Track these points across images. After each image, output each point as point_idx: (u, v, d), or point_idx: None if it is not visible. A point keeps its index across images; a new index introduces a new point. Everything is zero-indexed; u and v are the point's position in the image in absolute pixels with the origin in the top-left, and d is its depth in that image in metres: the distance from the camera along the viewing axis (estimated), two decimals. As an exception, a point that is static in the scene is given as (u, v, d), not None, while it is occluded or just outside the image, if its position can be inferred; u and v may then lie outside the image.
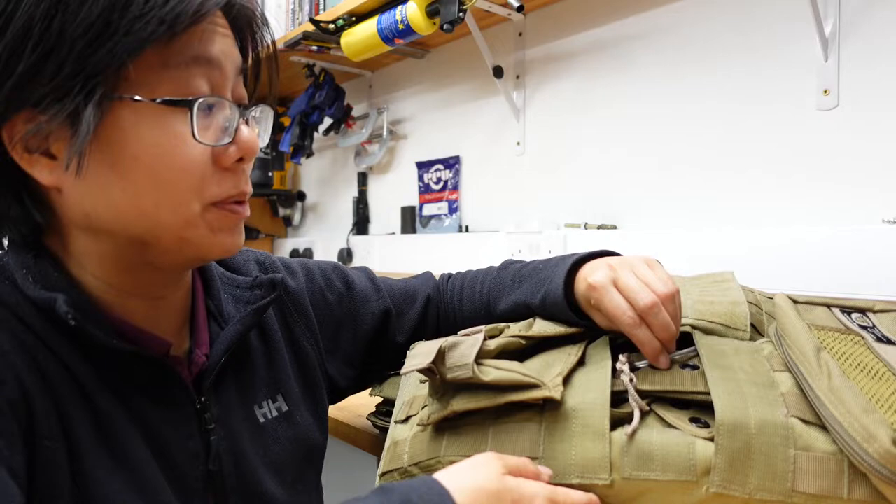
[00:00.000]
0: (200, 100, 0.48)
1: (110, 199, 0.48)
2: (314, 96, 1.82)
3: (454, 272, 0.84)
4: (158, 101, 0.47)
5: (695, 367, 0.53)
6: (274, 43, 0.57)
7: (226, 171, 0.51)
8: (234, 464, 0.56)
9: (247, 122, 0.53)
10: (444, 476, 0.46)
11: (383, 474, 0.59)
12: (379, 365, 0.79)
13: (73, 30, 0.44)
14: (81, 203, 0.48)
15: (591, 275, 0.60)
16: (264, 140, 0.57)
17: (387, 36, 1.37)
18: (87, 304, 0.50)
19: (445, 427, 0.56)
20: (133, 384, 0.51)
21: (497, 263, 0.80)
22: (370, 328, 0.75)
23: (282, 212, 2.29)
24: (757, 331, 0.61)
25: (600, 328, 0.61)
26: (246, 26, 0.54)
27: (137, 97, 0.46)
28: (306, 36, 1.56)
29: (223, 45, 0.50)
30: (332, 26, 1.49)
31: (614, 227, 1.29)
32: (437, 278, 0.84)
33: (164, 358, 0.53)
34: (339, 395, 0.75)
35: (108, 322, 0.51)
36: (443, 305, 0.81)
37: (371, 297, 0.76)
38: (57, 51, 0.44)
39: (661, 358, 0.55)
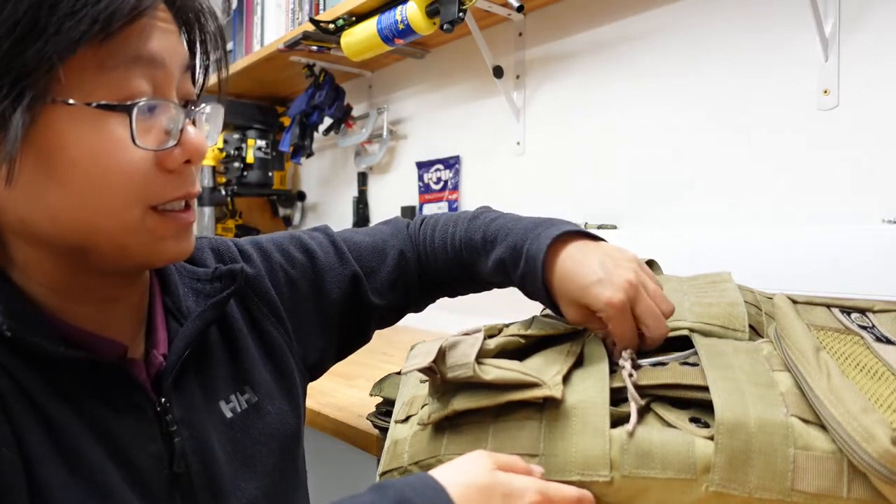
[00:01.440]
0: (140, 103, 0.45)
1: (46, 205, 0.45)
2: (314, 96, 1.82)
3: (427, 215, 0.81)
4: (94, 105, 0.44)
5: (694, 365, 0.53)
6: (223, 36, 0.54)
7: (171, 174, 0.48)
8: (202, 463, 0.54)
9: (194, 123, 0.50)
10: (435, 473, 0.46)
11: (383, 474, 0.59)
12: (357, 330, 0.76)
13: None
14: (16, 209, 0.46)
15: (588, 282, 0.59)
16: (214, 138, 0.54)
17: (387, 36, 1.37)
18: (30, 312, 0.48)
19: (445, 426, 0.56)
20: (87, 391, 0.49)
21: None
22: (339, 297, 0.72)
23: (282, 212, 2.29)
24: (756, 332, 0.61)
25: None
26: (193, 19, 0.51)
27: (71, 101, 0.43)
28: (306, 36, 1.56)
29: (166, 42, 0.47)
30: (332, 26, 1.49)
31: (614, 227, 1.29)
32: (410, 224, 0.81)
33: (119, 361, 0.51)
34: (319, 370, 0.73)
35: (54, 329, 0.48)
36: (419, 254, 0.78)
37: (335, 265, 0.73)
38: None
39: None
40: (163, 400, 0.53)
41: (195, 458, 0.53)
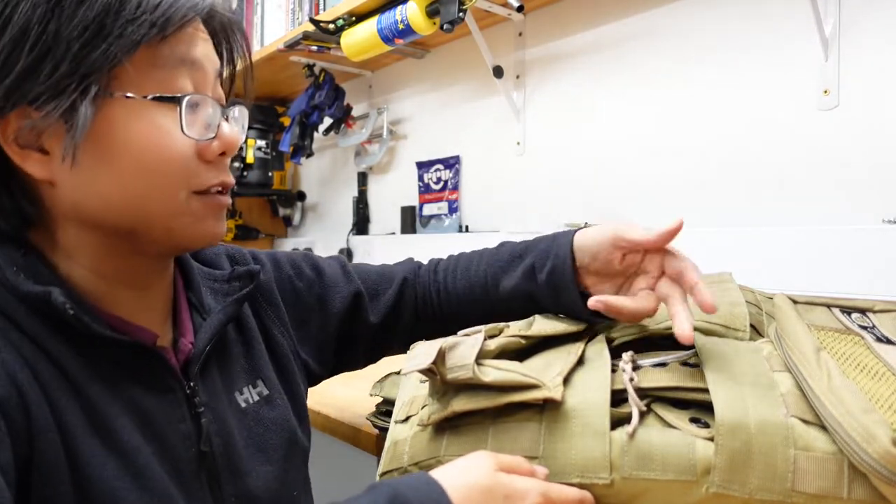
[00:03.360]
0: (188, 97, 0.51)
1: (101, 190, 0.51)
2: (314, 96, 1.82)
3: (445, 257, 0.84)
4: (150, 97, 0.50)
5: (695, 366, 0.53)
6: (249, 49, 0.61)
7: (209, 164, 0.54)
8: (224, 445, 0.57)
9: (227, 120, 0.56)
10: (437, 473, 0.47)
11: (383, 474, 0.59)
12: (354, 346, 0.80)
13: (69, 32, 0.47)
14: (73, 195, 0.51)
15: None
16: (241, 137, 0.60)
17: (387, 36, 1.37)
18: (78, 297, 0.52)
19: (445, 427, 0.56)
20: (123, 373, 0.52)
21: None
22: (340, 311, 0.76)
23: (282, 212, 2.29)
24: (757, 331, 0.61)
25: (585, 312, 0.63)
26: (222, 33, 0.58)
27: (129, 94, 0.50)
28: (306, 36, 1.56)
29: (205, 49, 0.55)
30: (332, 26, 1.49)
31: (614, 227, 1.29)
32: (425, 263, 0.85)
33: (154, 347, 0.54)
34: (316, 380, 0.77)
35: (98, 314, 0.52)
36: (422, 287, 0.81)
37: (340, 282, 0.78)
38: (53, 51, 0.47)
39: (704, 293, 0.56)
40: (191, 383, 0.57)
41: (218, 439, 0.57)
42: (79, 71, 0.47)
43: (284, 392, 0.68)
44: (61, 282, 0.51)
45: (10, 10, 0.47)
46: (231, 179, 0.57)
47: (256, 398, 0.64)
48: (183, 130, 0.51)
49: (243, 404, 0.62)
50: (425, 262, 0.87)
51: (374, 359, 0.84)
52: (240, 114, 0.59)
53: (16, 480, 0.44)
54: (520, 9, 1.30)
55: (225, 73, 0.59)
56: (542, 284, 0.67)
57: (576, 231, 0.67)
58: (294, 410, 0.68)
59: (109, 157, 0.50)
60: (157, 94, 0.50)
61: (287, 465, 0.64)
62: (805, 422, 0.46)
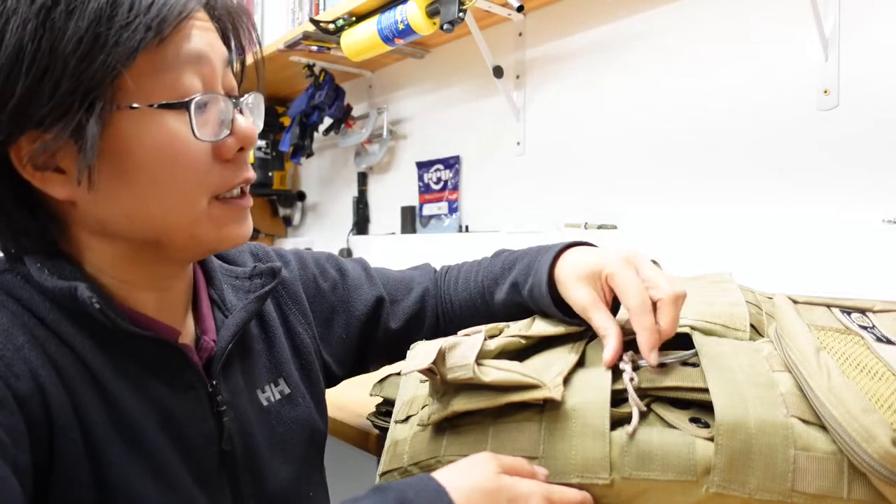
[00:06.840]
0: (196, 98, 0.49)
1: (121, 206, 0.49)
2: (314, 96, 1.82)
3: (452, 264, 0.85)
4: (156, 106, 0.48)
5: (695, 366, 0.53)
6: (256, 30, 0.59)
7: (227, 163, 0.52)
8: (244, 444, 0.57)
9: (241, 112, 0.54)
10: (440, 475, 0.46)
11: (383, 474, 0.59)
12: (372, 351, 0.79)
13: (63, 47, 0.44)
14: (95, 212, 0.50)
15: (594, 256, 0.61)
16: (259, 126, 0.58)
17: (387, 36, 1.37)
18: (104, 295, 0.51)
19: (445, 426, 0.56)
20: (147, 370, 0.52)
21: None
22: (362, 314, 0.76)
23: (282, 212, 2.29)
24: (757, 331, 0.61)
25: (576, 318, 0.60)
26: (226, 18, 0.55)
27: (135, 104, 0.47)
28: (306, 36, 1.56)
29: (209, 39, 0.51)
30: (332, 26, 1.49)
31: (614, 227, 1.29)
32: (437, 270, 0.85)
33: (176, 343, 0.54)
34: (334, 381, 0.77)
35: (122, 310, 0.52)
36: (440, 297, 0.81)
37: (363, 285, 0.78)
38: (51, 69, 0.44)
39: (653, 353, 0.52)
40: (214, 382, 0.56)
41: (239, 438, 0.57)
42: (80, 87, 0.45)
43: (307, 390, 0.68)
44: (86, 279, 0.51)
45: (1, 28, 0.44)
46: (252, 174, 0.55)
47: (278, 396, 0.63)
48: (195, 135, 0.49)
49: (265, 402, 0.62)
50: (426, 262, 0.87)
51: (389, 363, 0.84)
52: (254, 101, 0.57)
53: (33, 483, 0.44)
54: (520, 9, 1.30)
55: (236, 62, 0.56)
56: (527, 299, 0.68)
57: (560, 250, 0.65)
58: (316, 409, 0.68)
59: (124, 172, 0.48)
60: (164, 101, 0.48)
61: (305, 465, 0.64)
62: (805, 422, 0.46)
